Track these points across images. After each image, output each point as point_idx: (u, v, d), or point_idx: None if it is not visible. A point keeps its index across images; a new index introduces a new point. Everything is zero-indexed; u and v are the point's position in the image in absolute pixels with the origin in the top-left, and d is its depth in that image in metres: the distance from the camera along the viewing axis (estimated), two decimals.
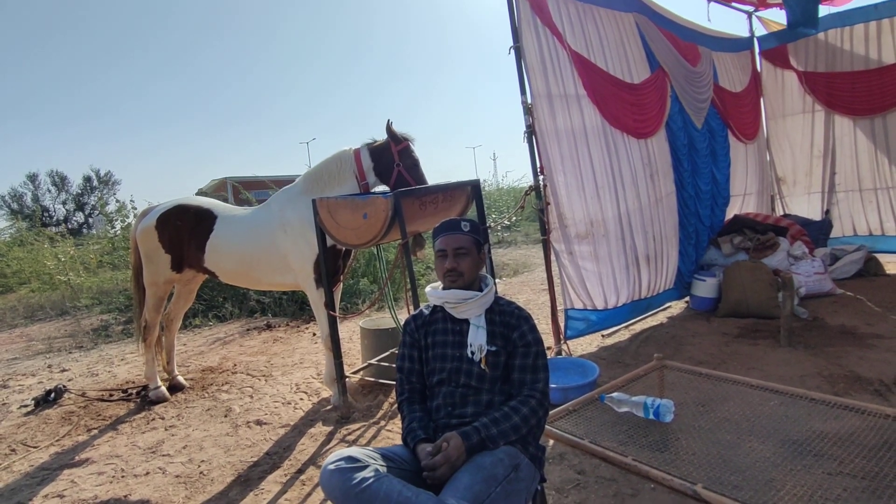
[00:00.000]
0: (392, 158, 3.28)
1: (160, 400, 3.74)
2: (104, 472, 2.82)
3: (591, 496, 2.26)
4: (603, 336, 4.15)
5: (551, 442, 2.54)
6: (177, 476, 2.73)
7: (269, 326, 5.77)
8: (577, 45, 4.01)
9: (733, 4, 5.64)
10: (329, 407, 3.45)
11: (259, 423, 3.30)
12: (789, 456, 2.04)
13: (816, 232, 5.39)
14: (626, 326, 4.30)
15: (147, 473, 2.77)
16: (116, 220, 9.44)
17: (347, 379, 3.44)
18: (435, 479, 1.43)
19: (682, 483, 1.61)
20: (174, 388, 3.95)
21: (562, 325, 3.84)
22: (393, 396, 3.50)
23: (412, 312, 1.90)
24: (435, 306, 1.78)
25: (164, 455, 2.97)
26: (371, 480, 1.33)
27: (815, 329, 3.85)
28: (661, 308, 4.67)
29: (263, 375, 4.18)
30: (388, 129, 3.29)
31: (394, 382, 3.54)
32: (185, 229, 3.58)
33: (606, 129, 4.09)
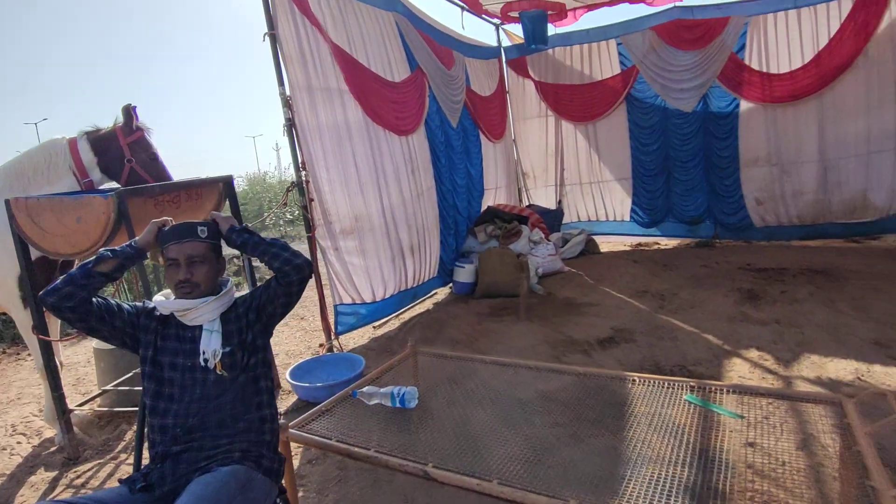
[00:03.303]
0: (120, 152, 2.84)
1: None
2: None
3: (352, 489, 2.31)
4: (374, 327, 4.27)
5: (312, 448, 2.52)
6: None
7: None
8: (339, 39, 3.99)
9: (483, 17, 6.26)
10: (53, 448, 2.88)
11: None
12: (513, 417, 2.35)
13: (552, 219, 6.38)
14: (396, 316, 4.51)
15: None
16: None
17: (75, 412, 2.91)
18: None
19: (415, 466, 1.72)
20: None
21: (332, 321, 3.83)
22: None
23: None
24: (166, 316, 1.61)
25: None
26: None
27: (548, 303, 4.55)
28: (428, 295, 5.01)
29: None
30: (125, 114, 2.84)
31: (136, 409, 3.11)
32: None
33: (369, 125, 4.17)
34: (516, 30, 6.61)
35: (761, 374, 2.99)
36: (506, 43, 6.82)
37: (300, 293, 1.67)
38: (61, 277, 1.52)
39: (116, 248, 1.59)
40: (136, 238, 1.63)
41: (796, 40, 5.45)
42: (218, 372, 1.53)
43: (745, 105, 5.75)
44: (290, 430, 1.97)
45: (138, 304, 1.65)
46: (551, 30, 6.17)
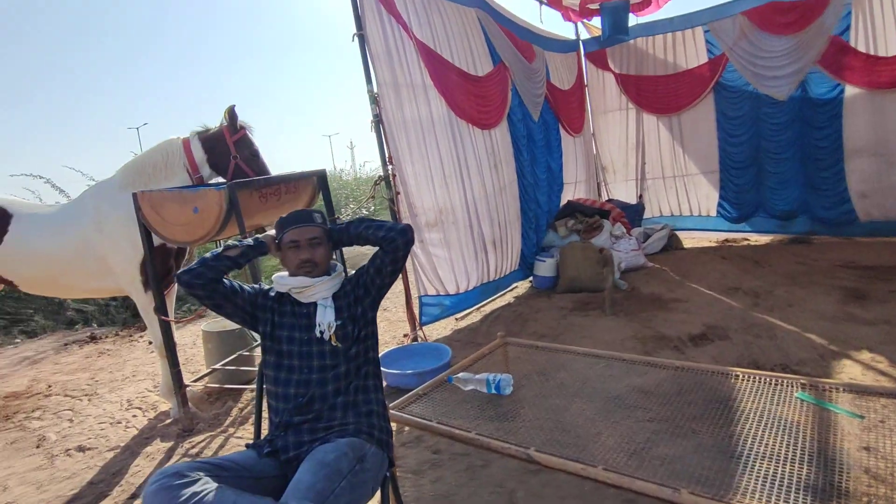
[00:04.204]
0: (227, 149, 3.06)
1: None
2: None
3: (446, 473, 2.37)
4: (457, 319, 4.33)
5: (407, 427, 2.61)
6: None
7: (93, 338, 5.06)
8: (423, 36, 4.08)
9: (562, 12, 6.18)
10: (168, 421, 3.15)
11: (81, 449, 2.90)
12: (609, 410, 2.32)
13: (633, 214, 6.20)
14: (478, 308, 4.54)
15: None
16: None
17: (189, 388, 3.17)
18: None
19: (518, 449, 1.75)
20: None
21: (417, 311, 3.93)
22: (243, 401, 3.30)
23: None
24: (281, 296, 1.74)
25: None
26: (202, 494, 1.24)
27: (632, 298, 4.43)
28: (509, 289, 5.01)
29: (86, 395, 3.67)
30: (229, 115, 3.06)
31: (241, 387, 3.35)
32: None
33: (453, 119, 4.24)
34: (595, 22, 6.47)
35: (875, 377, 2.78)
36: (584, 36, 6.69)
37: (405, 257, 1.76)
38: (196, 261, 1.68)
39: (241, 239, 1.76)
40: (260, 236, 1.79)
41: None
42: (333, 343, 1.65)
43: (850, 91, 5.31)
44: (392, 411, 2.05)
45: (256, 286, 1.80)
46: (632, 20, 5.99)
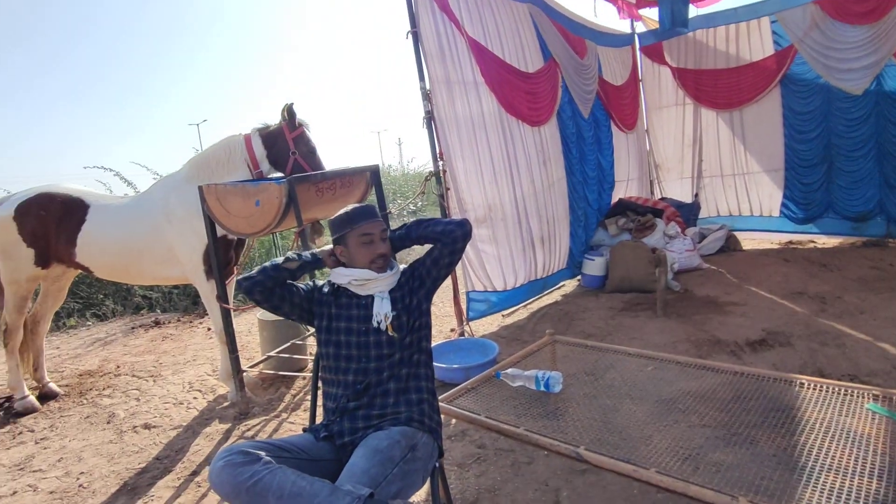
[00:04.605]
0: (287, 145, 3.16)
1: (28, 411, 3.37)
2: None
3: (491, 468, 2.38)
4: (503, 316, 4.33)
5: (453, 421, 2.63)
6: (51, 492, 2.49)
7: (157, 323, 5.36)
8: (475, 33, 4.09)
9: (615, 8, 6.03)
10: (226, 404, 3.31)
11: (147, 426, 3.09)
12: (661, 413, 2.27)
13: (688, 213, 5.98)
14: (525, 305, 4.52)
15: (14, 493, 2.50)
16: None
17: (245, 373, 3.31)
18: None
19: (567, 447, 1.73)
20: (45, 396, 3.57)
21: (464, 307, 3.95)
22: (295, 388, 3.42)
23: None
24: (336, 290, 1.79)
25: (34, 471, 2.69)
26: (263, 473, 1.30)
27: (686, 300, 4.29)
28: (556, 287, 4.95)
29: (151, 376, 3.90)
30: (288, 112, 3.16)
31: (294, 374, 3.47)
32: (50, 220, 3.24)
33: (503, 116, 4.22)
34: (652, 14, 6.27)
35: None
36: (640, 29, 6.49)
37: (463, 249, 1.80)
38: (256, 269, 1.76)
39: (301, 252, 1.81)
40: (317, 251, 1.84)
41: None
42: (389, 333, 1.69)
43: None
44: (441, 403, 2.08)
45: (309, 283, 1.86)
46: (692, 11, 5.77)
